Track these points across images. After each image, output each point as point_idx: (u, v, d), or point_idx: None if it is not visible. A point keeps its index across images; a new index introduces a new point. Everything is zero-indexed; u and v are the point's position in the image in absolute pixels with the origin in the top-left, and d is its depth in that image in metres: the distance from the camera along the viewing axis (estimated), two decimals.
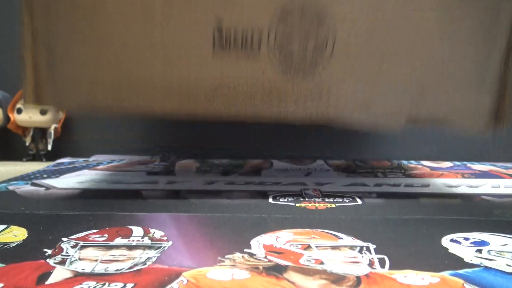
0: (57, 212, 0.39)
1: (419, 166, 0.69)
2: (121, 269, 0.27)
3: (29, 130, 0.85)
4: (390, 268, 0.28)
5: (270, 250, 0.31)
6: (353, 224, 0.36)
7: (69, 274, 0.27)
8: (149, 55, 0.40)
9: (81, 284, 0.25)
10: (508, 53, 0.41)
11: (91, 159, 0.76)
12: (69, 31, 0.40)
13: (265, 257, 0.29)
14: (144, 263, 0.28)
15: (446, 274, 0.27)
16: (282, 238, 0.33)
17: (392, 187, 0.53)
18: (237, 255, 0.30)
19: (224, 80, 0.41)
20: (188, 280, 0.26)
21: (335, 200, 0.44)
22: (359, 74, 0.40)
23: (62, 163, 0.71)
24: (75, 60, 0.41)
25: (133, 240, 0.32)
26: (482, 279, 0.26)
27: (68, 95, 0.41)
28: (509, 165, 0.66)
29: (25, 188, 0.50)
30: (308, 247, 0.31)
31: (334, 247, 0.31)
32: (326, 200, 0.44)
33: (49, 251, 0.30)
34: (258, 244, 0.32)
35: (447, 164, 0.72)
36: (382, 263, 0.29)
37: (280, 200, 0.44)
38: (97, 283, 0.25)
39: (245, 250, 0.31)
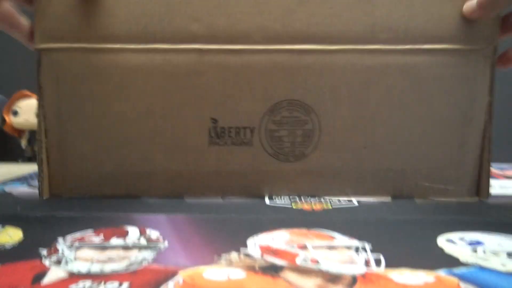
0: (53, 213, 0.39)
1: None
2: (117, 270, 0.27)
3: (25, 132, 0.85)
4: (386, 267, 0.28)
5: (266, 249, 0.31)
6: (349, 224, 0.37)
7: (64, 274, 0.27)
8: (150, 148, 0.45)
9: (76, 283, 0.25)
10: (483, 137, 0.45)
11: None
12: (77, 130, 0.44)
13: (261, 257, 0.29)
14: (140, 263, 0.28)
15: (441, 273, 0.27)
16: (278, 238, 0.33)
17: None
18: (233, 255, 0.30)
19: (219, 165, 0.45)
20: (184, 280, 0.26)
21: (331, 201, 0.45)
22: (343, 158, 0.45)
23: None
24: (84, 156, 0.45)
25: (129, 241, 0.32)
26: (477, 278, 0.26)
27: (79, 187, 0.45)
28: (504, 166, 0.67)
29: (21, 189, 0.50)
30: (304, 246, 0.31)
31: (330, 247, 0.32)
32: (322, 201, 0.44)
33: (45, 252, 0.30)
34: (254, 243, 0.32)
35: None
36: (378, 262, 0.29)
37: (277, 201, 0.44)
38: (92, 281, 0.25)
39: (242, 249, 0.31)
